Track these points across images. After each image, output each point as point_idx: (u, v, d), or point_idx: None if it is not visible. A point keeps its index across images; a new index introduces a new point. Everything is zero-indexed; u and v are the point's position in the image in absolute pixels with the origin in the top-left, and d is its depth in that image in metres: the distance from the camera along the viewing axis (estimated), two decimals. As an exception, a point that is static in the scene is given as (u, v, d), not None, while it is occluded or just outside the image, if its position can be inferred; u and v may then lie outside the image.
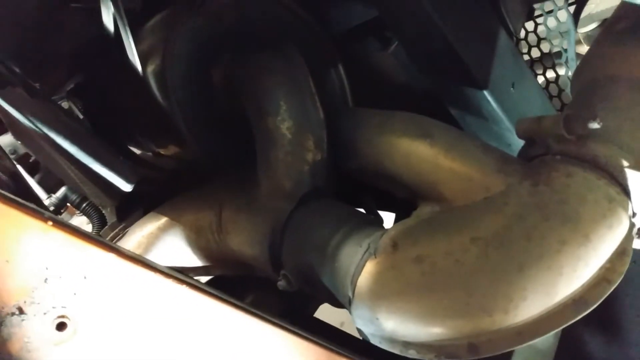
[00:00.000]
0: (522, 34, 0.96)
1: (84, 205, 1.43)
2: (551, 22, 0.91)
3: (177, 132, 0.98)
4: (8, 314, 0.47)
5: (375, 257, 0.64)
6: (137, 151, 1.25)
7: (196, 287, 0.55)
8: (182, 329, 0.53)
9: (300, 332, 0.61)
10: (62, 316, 0.49)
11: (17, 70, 0.75)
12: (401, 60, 1.17)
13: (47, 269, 0.49)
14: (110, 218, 1.31)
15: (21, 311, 0.48)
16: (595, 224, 0.58)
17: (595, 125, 0.60)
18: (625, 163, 0.61)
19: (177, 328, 0.53)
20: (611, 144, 0.62)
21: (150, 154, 1.28)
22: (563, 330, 0.96)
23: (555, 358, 0.87)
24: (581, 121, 0.62)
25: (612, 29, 0.75)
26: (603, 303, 0.79)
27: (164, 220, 0.89)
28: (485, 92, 0.83)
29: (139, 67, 0.96)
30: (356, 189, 0.89)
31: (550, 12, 0.92)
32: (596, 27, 2.03)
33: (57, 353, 0.49)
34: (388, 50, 1.20)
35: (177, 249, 0.88)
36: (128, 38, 0.92)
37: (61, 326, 0.49)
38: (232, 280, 1.03)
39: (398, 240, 0.64)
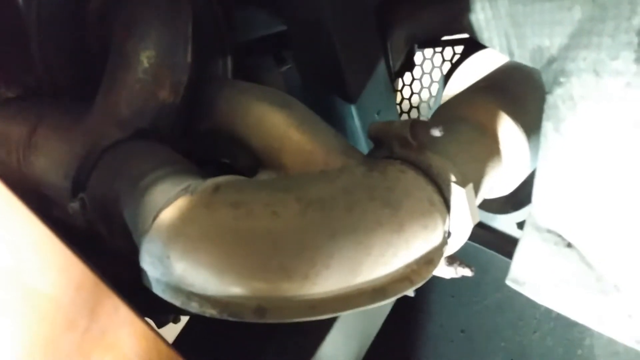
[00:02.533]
0: (400, 86, 1.03)
1: None
2: (425, 79, 0.99)
3: (28, 48, 0.87)
4: None
5: (192, 196, 0.58)
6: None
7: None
8: None
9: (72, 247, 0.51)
10: None
11: None
12: (290, 82, 1.19)
13: None
14: None
15: None
16: (412, 217, 0.58)
17: (437, 132, 0.63)
18: (453, 179, 0.64)
19: None
20: (446, 161, 0.66)
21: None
22: None
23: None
24: (426, 128, 0.64)
25: (475, 85, 0.84)
26: None
27: (-37, 119, 0.74)
28: (353, 107, 0.85)
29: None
30: (202, 158, 0.83)
31: (426, 73, 1.01)
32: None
33: None
34: (280, 68, 1.23)
35: (-34, 154, 0.73)
36: None
37: None
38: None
39: (222, 185, 0.59)
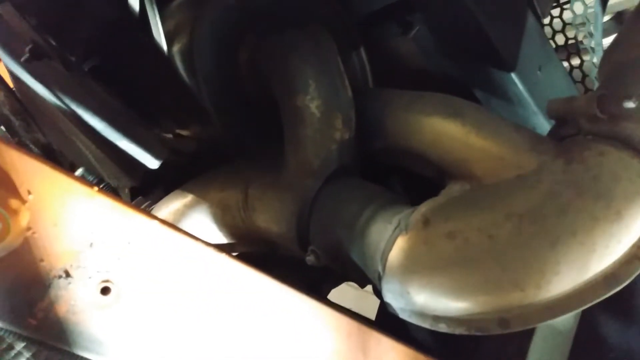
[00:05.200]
0: (547, 19, 0.96)
1: (101, 186, 1.44)
2: (577, 7, 0.91)
3: (202, 112, 0.99)
4: (55, 276, 0.48)
5: (407, 233, 0.65)
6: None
7: (234, 257, 0.56)
8: (221, 297, 0.54)
9: (332, 304, 0.62)
10: (106, 280, 0.50)
11: (54, 42, 0.75)
12: (421, 45, 1.16)
13: (92, 233, 0.49)
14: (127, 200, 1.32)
15: (67, 274, 0.48)
16: (628, 201, 0.58)
17: (631, 104, 0.60)
18: (658, 142, 0.61)
19: (216, 295, 0.54)
20: (644, 124, 0.63)
21: (170, 136, 1.28)
22: (581, 312, 0.97)
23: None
24: (615, 101, 0.62)
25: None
26: (622, 288, 0.80)
27: (190, 197, 0.90)
28: (513, 74, 0.83)
29: (165, 46, 0.97)
30: (381, 171, 0.89)
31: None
32: (609, 20, 2.02)
33: (101, 317, 0.50)
34: (409, 34, 1.20)
35: (203, 226, 0.89)
36: (155, 17, 0.93)
37: (105, 290, 0.50)
38: (253, 259, 1.04)
39: (429, 217, 0.65)
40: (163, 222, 0.53)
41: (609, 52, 0.76)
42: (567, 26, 0.94)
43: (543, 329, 0.83)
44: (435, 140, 0.73)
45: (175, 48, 0.98)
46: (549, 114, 0.69)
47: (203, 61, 0.91)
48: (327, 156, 0.78)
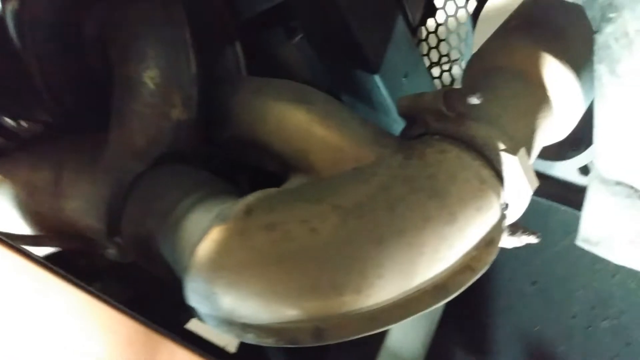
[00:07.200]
0: (423, 34, 0.94)
1: None
2: (451, 23, 0.90)
3: (35, 87, 0.85)
4: None
5: (225, 223, 0.55)
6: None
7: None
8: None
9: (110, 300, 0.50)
10: None
11: None
12: (305, 53, 1.12)
13: None
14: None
15: None
16: (463, 203, 0.53)
17: (475, 100, 0.56)
18: (502, 147, 0.57)
19: None
20: (491, 127, 0.59)
21: (10, 121, 1.11)
22: (433, 343, 0.91)
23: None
24: (462, 97, 0.58)
25: (504, 26, 0.75)
26: (477, 319, 0.75)
27: (-9, 175, 0.74)
28: (376, 77, 0.78)
29: (-1, 4, 0.82)
30: (231, 168, 0.80)
31: (451, 15, 0.92)
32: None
33: None
34: (292, 41, 1.15)
35: (1, 210, 0.73)
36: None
37: None
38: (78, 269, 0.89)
39: (253, 207, 0.55)
40: None
41: (471, 60, 0.74)
42: (441, 42, 0.93)
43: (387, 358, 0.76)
44: (278, 128, 0.65)
45: (9, 7, 0.84)
46: (399, 111, 0.64)
47: (34, 22, 0.77)
48: (157, 136, 0.67)
